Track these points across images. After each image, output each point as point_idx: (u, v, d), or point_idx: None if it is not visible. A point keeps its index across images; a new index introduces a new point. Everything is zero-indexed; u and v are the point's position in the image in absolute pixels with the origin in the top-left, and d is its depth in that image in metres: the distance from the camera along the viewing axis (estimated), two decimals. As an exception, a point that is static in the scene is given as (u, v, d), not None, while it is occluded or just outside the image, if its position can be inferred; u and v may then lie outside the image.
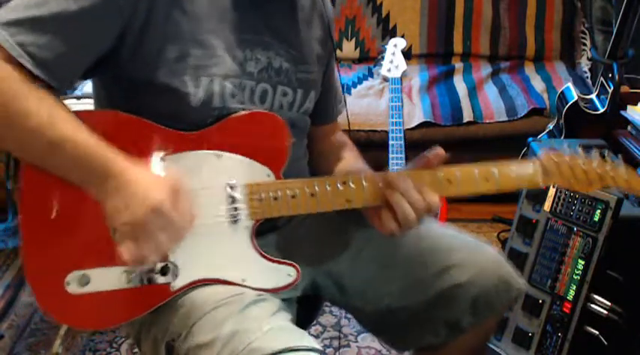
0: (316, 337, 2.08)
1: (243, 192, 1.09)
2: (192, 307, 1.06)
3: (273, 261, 1.12)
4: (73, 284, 1.04)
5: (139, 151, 1.03)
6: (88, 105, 2.14)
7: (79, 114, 1.02)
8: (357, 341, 2.07)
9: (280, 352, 0.95)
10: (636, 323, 1.61)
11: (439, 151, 1.13)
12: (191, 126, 1.08)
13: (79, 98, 2.16)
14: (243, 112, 1.11)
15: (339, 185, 1.12)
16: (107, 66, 1.06)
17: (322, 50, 1.28)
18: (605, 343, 1.59)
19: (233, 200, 1.09)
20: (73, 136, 0.96)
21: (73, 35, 0.99)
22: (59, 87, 1.00)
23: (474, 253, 1.22)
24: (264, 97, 1.15)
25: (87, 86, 2.71)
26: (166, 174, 1.01)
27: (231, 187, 1.09)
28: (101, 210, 0.99)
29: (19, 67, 0.95)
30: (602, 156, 1.20)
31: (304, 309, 1.26)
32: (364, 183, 1.12)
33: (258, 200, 1.10)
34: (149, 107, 1.06)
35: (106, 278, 1.05)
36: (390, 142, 2.56)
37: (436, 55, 3.22)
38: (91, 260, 1.04)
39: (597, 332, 1.60)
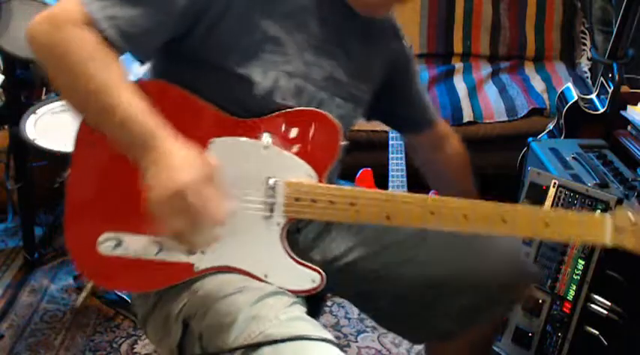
0: (316, 337, 2.08)
1: (282, 188, 1.08)
2: (213, 289, 1.08)
3: (300, 264, 1.11)
4: (104, 245, 1.07)
5: (189, 128, 1.04)
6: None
7: (136, 83, 1.05)
8: (357, 341, 2.07)
9: (296, 339, 0.97)
10: (636, 323, 1.61)
11: None
12: (248, 114, 1.10)
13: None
14: (299, 108, 1.11)
15: (382, 199, 1.09)
16: (177, 44, 1.08)
17: (381, 71, 1.29)
18: (605, 343, 1.59)
19: (271, 194, 1.08)
20: (125, 104, 0.98)
21: (160, 11, 1.03)
22: (136, 59, 1.06)
23: (492, 241, 1.24)
24: (320, 105, 1.15)
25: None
26: (208, 157, 1.00)
27: (272, 181, 1.08)
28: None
29: (101, 36, 1.00)
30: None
31: (307, 309, 1.26)
32: (408, 202, 1.09)
33: (295, 199, 1.09)
34: (211, 88, 1.08)
35: (135, 245, 1.07)
36: (390, 142, 2.56)
37: (436, 55, 3.21)
38: (126, 225, 1.07)
39: (597, 332, 1.60)
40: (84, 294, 1.12)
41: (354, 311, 2.18)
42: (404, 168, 2.59)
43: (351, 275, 1.27)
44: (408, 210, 1.09)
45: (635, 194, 1.74)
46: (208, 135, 1.07)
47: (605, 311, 1.60)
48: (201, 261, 1.08)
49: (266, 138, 1.09)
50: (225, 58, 1.08)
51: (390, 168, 2.61)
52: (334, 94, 1.17)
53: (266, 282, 1.10)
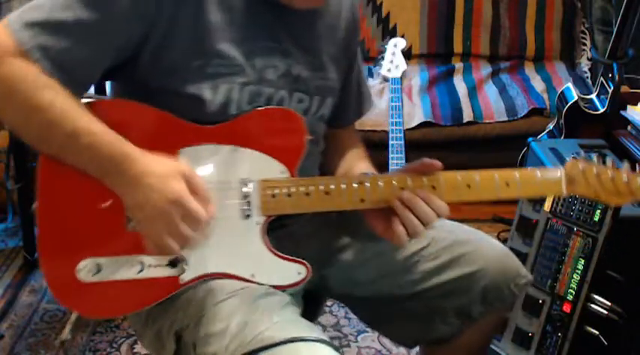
0: (316, 337, 2.08)
1: (256, 188, 1.09)
2: (202, 298, 1.07)
3: (284, 259, 1.12)
4: (84, 272, 1.05)
5: (155, 142, 1.04)
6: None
7: (95, 103, 1.04)
8: (357, 341, 2.07)
9: (290, 341, 0.96)
10: (636, 323, 1.61)
11: (436, 164, 1.12)
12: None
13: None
14: (260, 108, 1.12)
15: (354, 184, 1.11)
16: (125, 69, 1.07)
17: (343, 56, 1.27)
18: (605, 343, 1.59)
19: (246, 195, 1.09)
20: (88, 127, 0.97)
21: (95, 41, 1.01)
22: (75, 89, 1.02)
23: (482, 245, 1.24)
24: (280, 104, 1.15)
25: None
26: (182, 160, 1.02)
27: (245, 182, 1.09)
28: (116, 200, 1.01)
29: (38, 64, 0.97)
30: (633, 168, 1.15)
31: (306, 308, 1.26)
32: (380, 183, 1.12)
33: (271, 196, 1.10)
34: (167, 109, 1.07)
35: (117, 268, 1.06)
36: (390, 142, 2.56)
37: (436, 55, 3.22)
38: (104, 249, 1.06)
39: (597, 332, 1.60)
40: (69, 327, 1.08)
41: (354, 311, 2.18)
42: (404, 168, 2.59)
43: (344, 276, 1.27)
44: (380, 190, 1.11)
45: (635, 194, 1.73)
46: (175, 146, 1.06)
47: (605, 311, 1.60)
48: (186, 273, 1.08)
49: (233, 141, 1.09)
50: (173, 80, 1.06)
51: (390, 168, 2.61)
52: (294, 90, 1.17)
53: (254, 282, 1.10)
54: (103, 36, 1.01)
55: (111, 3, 1.00)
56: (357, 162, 1.33)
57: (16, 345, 2.06)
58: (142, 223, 1.00)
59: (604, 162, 1.17)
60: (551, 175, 1.16)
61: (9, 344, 2.05)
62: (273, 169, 1.11)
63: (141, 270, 1.06)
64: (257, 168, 1.10)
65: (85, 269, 1.05)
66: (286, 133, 1.12)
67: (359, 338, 2.07)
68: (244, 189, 1.09)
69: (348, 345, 2.05)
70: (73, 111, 0.98)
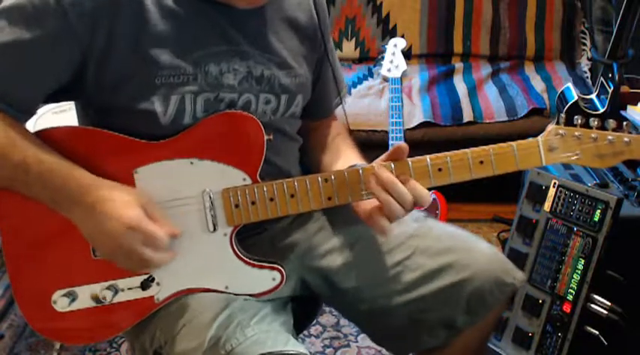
0: (316, 337, 2.08)
1: (219, 199, 1.07)
2: (178, 315, 1.07)
3: (257, 266, 1.10)
4: (60, 302, 1.05)
5: (109, 166, 1.03)
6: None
7: (45, 132, 1.03)
8: (357, 341, 2.07)
9: None
10: (636, 323, 1.61)
11: (401, 147, 1.08)
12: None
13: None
14: (211, 116, 1.08)
15: (320, 183, 1.08)
16: (73, 91, 1.06)
17: (309, 50, 1.23)
18: (605, 343, 1.59)
19: (210, 208, 1.07)
20: (37, 157, 0.97)
21: (29, 64, 1.00)
22: (18, 115, 1.01)
23: (469, 254, 1.21)
24: (247, 108, 1.13)
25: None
26: (136, 188, 1.02)
27: (207, 195, 1.07)
28: (78, 230, 1.00)
29: None
30: (620, 127, 1.08)
31: (303, 309, 1.25)
32: (347, 179, 1.09)
33: (235, 206, 1.07)
34: (122, 127, 1.06)
35: (90, 295, 1.06)
36: (390, 142, 2.56)
37: (436, 55, 3.22)
38: (75, 277, 1.05)
39: (597, 332, 1.60)
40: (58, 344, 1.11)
41: (354, 311, 2.17)
42: (404, 168, 2.59)
43: (327, 283, 1.25)
44: (347, 186, 1.08)
45: (635, 194, 1.74)
46: (130, 167, 1.05)
47: (605, 311, 1.59)
48: (160, 292, 1.08)
49: (189, 154, 1.07)
50: (122, 96, 1.04)
51: (390, 168, 2.61)
52: (260, 91, 1.14)
53: (229, 293, 1.09)
54: (36, 57, 1.00)
55: (43, 23, 0.98)
56: (344, 152, 1.29)
57: (16, 345, 2.06)
58: (103, 252, 0.99)
59: (587, 124, 1.10)
60: (528, 146, 1.10)
61: (9, 344, 2.06)
62: (234, 178, 1.08)
63: (115, 295, 1.06)
64: (217, 178, 1.07)
65: (61, 299, 1.05)
66: (242, 138, 1.08)
67: (359, 338, 2.07)
68: (207, 202, 1.07)
69: (348, 345, 2.05)
70: (20, 140, 0.97)
